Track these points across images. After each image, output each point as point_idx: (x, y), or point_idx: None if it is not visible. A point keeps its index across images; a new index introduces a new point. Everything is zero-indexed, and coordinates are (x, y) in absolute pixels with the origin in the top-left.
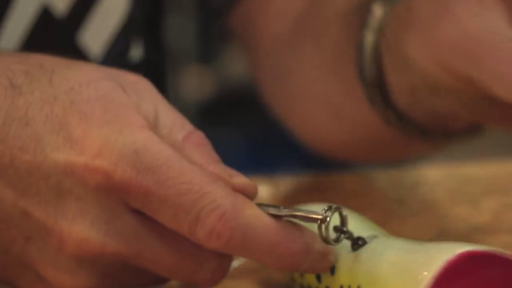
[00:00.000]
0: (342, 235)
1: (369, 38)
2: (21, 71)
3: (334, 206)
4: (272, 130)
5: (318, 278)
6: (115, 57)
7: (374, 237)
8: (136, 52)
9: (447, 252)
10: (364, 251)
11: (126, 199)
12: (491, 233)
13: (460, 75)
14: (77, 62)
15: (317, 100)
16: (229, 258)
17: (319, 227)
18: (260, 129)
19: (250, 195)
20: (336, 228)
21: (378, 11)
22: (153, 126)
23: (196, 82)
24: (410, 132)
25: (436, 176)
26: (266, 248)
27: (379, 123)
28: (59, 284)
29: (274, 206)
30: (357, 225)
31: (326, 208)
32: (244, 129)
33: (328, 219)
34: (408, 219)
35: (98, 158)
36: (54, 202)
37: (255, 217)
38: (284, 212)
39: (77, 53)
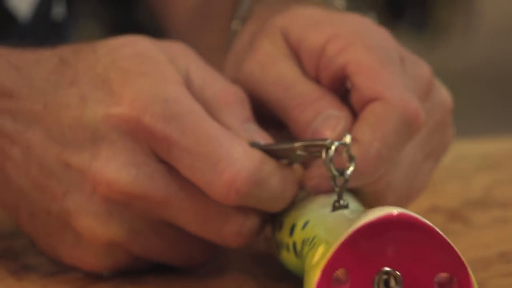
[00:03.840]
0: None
1: (235, 27)
2: (70, 49)
3: (342, 141)
4: None
5: (290, 232)
6: (41, 17)
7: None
8: (58, 11)
9: (383, 210)
10: (337, 213)
11: (153, 146)
12: (482, 208)
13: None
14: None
15: None
16: (255, 214)
17: (324, 155)
18: None
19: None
20: (338, 170)
21: (247, 2)
22: (185, 83)
23: None
24: None
25: None
26: (277, 201)
27: None
28: (91, 234)
29: (282, 143)
30: (353, 201)
31: (332, 140)
32: None
33: (333, 147)
34: None
35: (130, 106)
36: (90, 149)
37: (271, 172)
38: (292, 144)
39: (7, 16)
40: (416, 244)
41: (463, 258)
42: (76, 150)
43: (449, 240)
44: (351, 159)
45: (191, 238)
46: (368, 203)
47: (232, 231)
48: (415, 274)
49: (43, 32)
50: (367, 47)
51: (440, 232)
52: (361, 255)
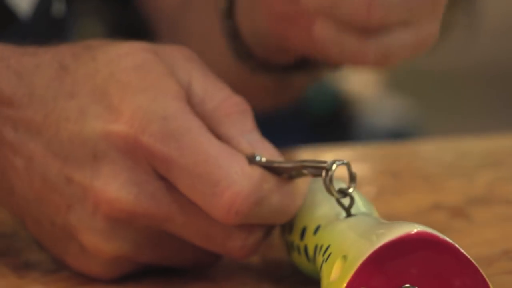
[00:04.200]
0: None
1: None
2: (69, 53)
3: (342, 160)
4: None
5: (302, 235)
6: (41, 14)
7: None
8: (58, 8)
9: (403, 228)
10: (349, 221)
11: (153, 164)
12: (485, 205)
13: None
14: (123, 41)
15: None
16: (259, 228)
17: (325, 176)
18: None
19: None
20: (340, 190)
21: None
22: (186, 94)
23: None
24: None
25: (431, 150)
26: (281, 214)
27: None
28: (96, 250)
29: (282, 161)
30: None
31: (333, 160)
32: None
33: (333, 167)
34: (404, 193)
35: (129, 123)
36: (90, 165)
37: (271, 190)
38: (293, 164)
39: (7, 13)
40: (437, 262)
41: (485, 276)
42: (77, 166)
43: (470, 258)
44: (352, 178)
45: (195, 245)
46: None
47: (237, 246)
48: None
49: (43, 29)
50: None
51: (461, 250)
52: (381, 274)
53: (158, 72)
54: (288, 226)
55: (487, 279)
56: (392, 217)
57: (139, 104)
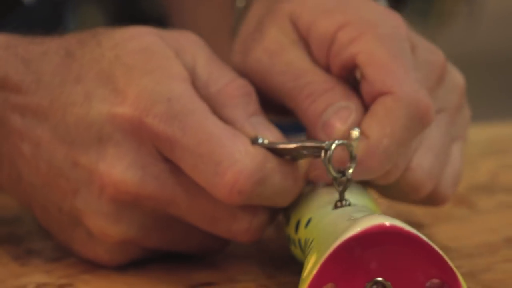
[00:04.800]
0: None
1: (240, 4)
2: (75, 40)
3: (341, 140)
4: None
5: (296, 229)
6: (45, 1)
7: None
8: None
9: (369, 221)
10: (337, 211)
11: (157, 146)
12: (488, 193)
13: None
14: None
15: None
16: (263, 210)
17: (323, 156)
18: None
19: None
20: (339, 170)
21: None
22: (191, 77)
23: None
24: None
25: None
26: (283, 195)
27: None
28: (103, 234)
29: (283, 142)
30: (356, 193)
31: (332, 141)
32: None
33: (332, 147)
34: None
35: (134, 105)
36: (96, 148)
37: (273, 170)
38: (293, 145)
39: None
40: (405, 254)
41: (452, 266)
42: (83, 149)
43: (436, 248)
44: (352, 158)
45: (202, 230)
46: (403, 193)
47: (242, 229)
48: (406, 282)
49: (48, 14)
50: (378, 37)
51: (428, 241)
52: (348, 268)
53: (163, 55)
54: (286, 218)
55: (455, 270)
56: (392, 207)
57: (144, 86)
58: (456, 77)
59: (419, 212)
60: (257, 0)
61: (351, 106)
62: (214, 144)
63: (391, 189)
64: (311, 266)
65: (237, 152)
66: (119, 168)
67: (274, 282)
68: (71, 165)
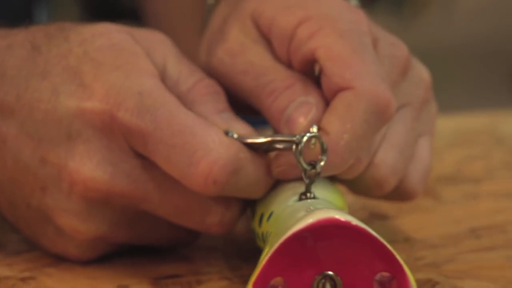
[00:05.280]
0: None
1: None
2: (42, 34)
3: (313, 133)
4: None
5: (259, 222)
6: None
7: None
8: None
9: (315, 216)
10: (298, 204)
11: (129, 141)
12: (454, 184)
13: None
14: (96, 22)
15: None
16: (236, 203)
17: (295, 149)
18: None
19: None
20: (310, 163)
21: None
22: (161, 75)
23: None
24: None
25: None
26: (256, 188)
27: None
28: (73, 231)
29: (254, 136)
30: (322, 186)
31: (303, 134)
32: None
33: (303, 140)
34: None
35: (104, 100)
36: (65, 145)
37: (248, 160)
38: (264, 139)
39: None
40: (352, 247)
41: (399, 258)
42: (51, 147)
43: (385, 242)
44: (323, 150)
45: (173, 223)
46: (368, 189)
47: (215, 221)
48: (354, 276)
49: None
50: (338, 32)
51: (375, 234)
52: (297, 261)
53: (132, 52)
54: (251, 212)
55: (403, 264)
56: (359, 199)
57: (113, 81)
58: (421, 72)
59: (385, 203)
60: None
61: (312, 100)
62: (187, 134)
63: (356, 185)
64: (261, 259)
65: (211, 142)
66: (89, 166)
67: (238, 274)
68: (39, 162)
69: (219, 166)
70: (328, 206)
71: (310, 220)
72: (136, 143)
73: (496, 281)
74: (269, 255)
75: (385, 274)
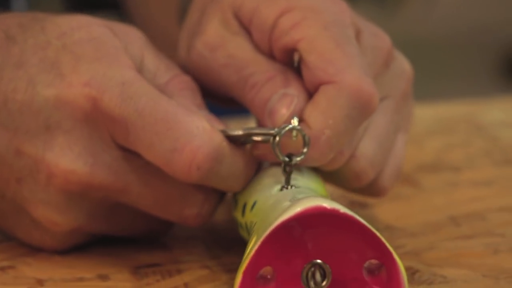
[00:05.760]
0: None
1: None
2: (15, 23)
3: (293, 125)
4: None
5: (242, 212)
6: None
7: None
8: None
9: (303, 204)
10: (281, 193)
11: (111, 130)
12: (434, 172)
13: None
14: (68, 14)
15: None
16: (214, 195)
17: (272, 141)
18: None
19: None
20: (288, 155)
21: None
22: (139, 70)
23: None
24: None
25: None
26: (236, 179)
27: None
28: (50, 223)
29: (233, 129)
30: (300, 175)
31: (283, 126)
32: None
33: (281, 132)
34: None
35: (86, 87)
36: (43, 136)
37: (229, 149)
38: (243, 131)
39: None
40: (341, 236)
41: (388, 245)
42: (28, 138)
43: (373, 230)
44: (306, 143)
45: (149, 215)
46: (345, 181)
47: (193, 213)
48: (343, 263)
49: None
50: (322, 23)
51: (364, 222)
52: (286, 249)
53: (112, 45)
54: (234, 202)
55: (392, 251)
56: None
57: (95, 71)
58: (403, 64)
59: None
60: None
61: (293, 92)
62: (171, 121)
63: (334, 175)
64: (249, 249)
65: (195, 128)
66: (69, 157)
67: (218, 262)
68: (14, 153)
69: (203, 152)
70: (313, 195)
71: (298, 209)
72: (119, 133)
73: (476, 269)
74: (258, 244)
75: (374, 261)
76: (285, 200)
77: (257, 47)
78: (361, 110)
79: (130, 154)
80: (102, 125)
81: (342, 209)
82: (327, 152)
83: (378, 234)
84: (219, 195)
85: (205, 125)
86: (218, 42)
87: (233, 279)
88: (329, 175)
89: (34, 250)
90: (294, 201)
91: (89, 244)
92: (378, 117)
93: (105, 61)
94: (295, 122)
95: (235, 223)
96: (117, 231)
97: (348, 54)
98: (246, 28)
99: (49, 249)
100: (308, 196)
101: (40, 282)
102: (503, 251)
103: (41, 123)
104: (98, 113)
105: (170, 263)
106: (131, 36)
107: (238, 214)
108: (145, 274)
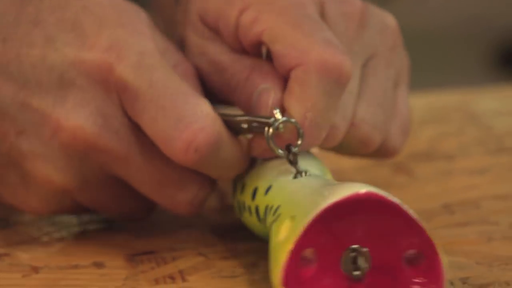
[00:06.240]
0: (289, 153)
1: None
2: None
3: (288, 118)
4: None
5: (253, 196)
6: None
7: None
8: None
9: (351, 189)
10: (298, 181)
11: (122, 97)
12: (427, 160)
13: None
14: None
15: None
16: (208, 185)
17: (267, 131)
18: None
19: None
20: (286, 147)
21: None
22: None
23: None
24: None
25: None
26: (231, 167)
27: None
28: (45, 179)
29: (231, 114)
30: (309, 163)
31: (278, 118)
32: None
33: (275, 123)
34: None
35: (106, 53)
36: (55, 92)
37: (228, 137)
38: (239, 118)
39: None
40: (384, 222)
41: (430, 236)
42: (38, 92)
43: (416, 218)
44: (299, 135)
45: (136, 196)
46: (354, 149)
47: (185, 200)
48: (383, 251)
49: None
50: (277, 11)
51: (408, 210)
52: (329, 234)
53: (134, 14)
54: (240, 186)
55: (432, 239)
56: (335, 173)
57: (117, 36)
58: (384, 19)
59: (359, 179)
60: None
61: (269, 86)
62: (179, 99)
63: (343, 148)
64: (289, 230)
65: (199, 111)
66: (80, 114)
67: (213, 250)
68: (19, 107)
69: (203, 135)
70: (348, 181)
71: (347, 192)
72: (127, 102)
73: (470, 257)
74: (306, 224)
75: (414, 251)
76: (315, 186)
77: (229, 47)
78: (335, 81)
79: (137, 126)
80: (114, 90)
81: (389, 197)
82: (317, 134)
83: (421, 224)
84: (211, 187)
85: (209, 111)
86: (198, 51)
87: (228, 267)
88: (339, 148)
89: (29, 238)
90: (338, 185)
91: (85, 232)
92: (369, 78)
93: (128, 28)
94: (277, 114)
95: (236, 208)
96: (102, 206)
97: (307, 33)
98: (216, 32)
99: (29, 210)
100: (347, 182)
101: (35, 269)
102: (497, 239)
103: (54, 79)
104: (112, 78)
105: (165, 251)
106: (143, 14)
107: (245, 198)
108: (140, 261)
